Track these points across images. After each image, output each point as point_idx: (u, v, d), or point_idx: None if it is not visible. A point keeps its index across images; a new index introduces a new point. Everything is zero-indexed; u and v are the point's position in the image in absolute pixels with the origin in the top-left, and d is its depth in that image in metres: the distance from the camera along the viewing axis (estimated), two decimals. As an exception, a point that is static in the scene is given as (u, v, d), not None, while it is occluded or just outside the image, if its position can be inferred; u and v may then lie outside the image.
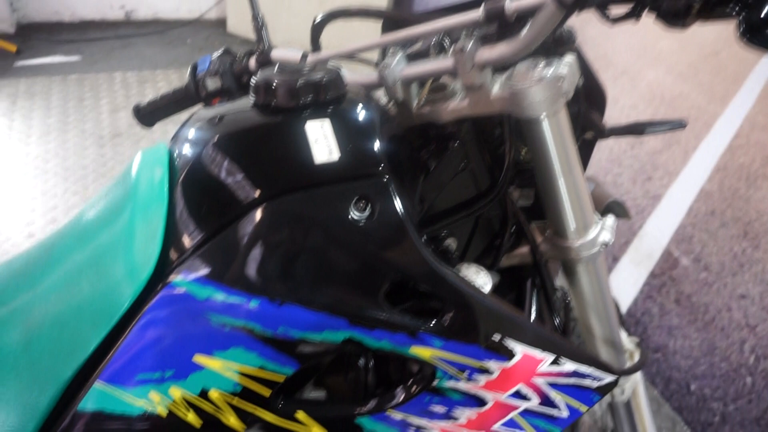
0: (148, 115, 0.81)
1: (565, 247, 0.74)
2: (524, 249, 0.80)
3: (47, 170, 2.42)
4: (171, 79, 2.95)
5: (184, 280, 0.51)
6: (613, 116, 2.81)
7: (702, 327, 1.90)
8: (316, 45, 0.78)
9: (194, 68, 0.76)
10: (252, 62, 0.74)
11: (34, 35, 3.23)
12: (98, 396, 0.53)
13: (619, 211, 1.09)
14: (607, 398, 0.97)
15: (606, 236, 0.74)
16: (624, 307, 1.95)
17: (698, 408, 1.80)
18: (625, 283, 1.94)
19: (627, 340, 0.99)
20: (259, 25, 0.75)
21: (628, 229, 2.13)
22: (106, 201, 0.56)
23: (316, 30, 0.77)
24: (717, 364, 1.82)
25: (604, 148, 2.44)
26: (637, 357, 1.01)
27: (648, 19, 0.52)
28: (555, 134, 0.64)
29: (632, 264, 2.01)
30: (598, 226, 0.74)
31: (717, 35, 3.83)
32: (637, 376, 1.00)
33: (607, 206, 1.09)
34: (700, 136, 2.70)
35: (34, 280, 0.54)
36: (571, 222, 0.72)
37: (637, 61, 3.52)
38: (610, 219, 0.76)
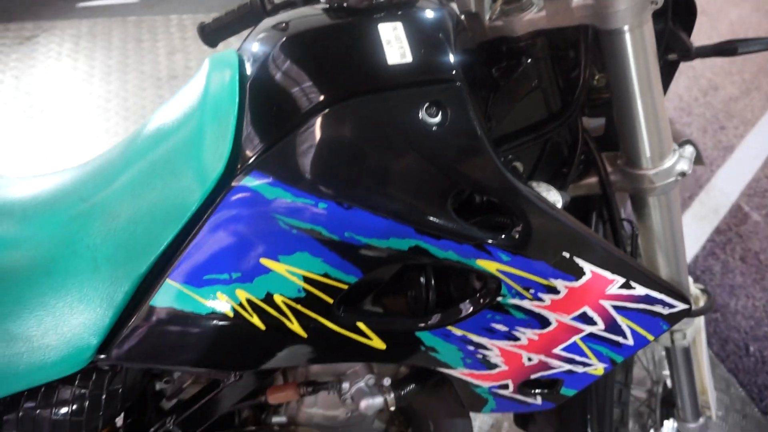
0: (213, 33, 0.80)
1: (639, 176, 0.71)
2: (592, 179, 0.76)
3: (109, 109, 2.50)
4: (225, 23, 2.93)
5: (252, 180, 0.51)
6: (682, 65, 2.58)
7: (768, 286, 1.81)
8: None
9: (260, -19, 0.74)
10: None
11: (95, -23, 3.30)
12: (169, 293, 0.55)
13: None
14: (665, 341, 0.94)
15: (683, 165, 0.70)
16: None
17: (756, 370, 1.74)
18: (687, 240, 1.85)
19: (692, 286, 0.95)
20: None
21: (695, 182, 2.02)
22: (178, 103, 0.57)
23: None
24: (781, 326, 1.74)
25: (672, 96, 2.28)
26: (702, 304, 0.97)
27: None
28: (637, 49, 0.59)
29: (696, 219, 1.91)
30: (675, 154, 0.70)
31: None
32: (700, 323, 0.97)
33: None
34: (786, 80, 2.45)
35: (111, 178, 0.56)
36: (646, 148, 0.68)
37: (720, -4, 3.20)
38: (689, 148, 0.72)
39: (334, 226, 0.52)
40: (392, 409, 0.69)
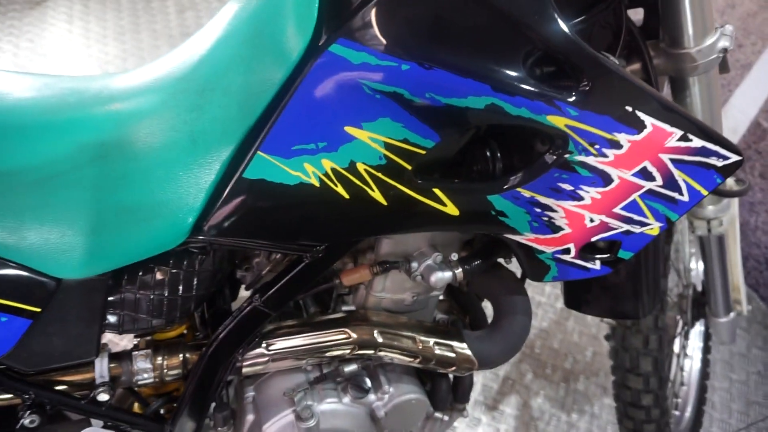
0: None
1: (682, 55, 0.74)
2: (635, 66, 0.80)
3: (127, 68, 2.52)
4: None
5: (338, 48, 0.54)
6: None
7: (788, 202, 1.85)
8: None
9: None
10: None
11: (96, -60, 3.27)
12: (260, 165, 0.59)
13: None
14: (702, 230, 0.99)
15: (725, 42, 0.74)
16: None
17: (776, 284, 1.79)
18: (707, 162, 1.88)
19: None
20: None
21: (714, 103, 2.04)
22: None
23: None
24: (802, 239, 1.79)
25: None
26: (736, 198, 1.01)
27: None
28: None
29: (715, 141, 1.94)
30: (716, 32, 0.73)
31: None
32: (735, 212, 1.01)
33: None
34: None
35: (205, 54, 0.60)
36: (689, 26, 0.71)
37: None
38: (729, 27, 0.75)
39: (416, 87, 0.55)
40: (459, 281, 0.74)
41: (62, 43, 2.60)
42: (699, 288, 1.32)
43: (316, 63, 0.55)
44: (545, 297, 1.74)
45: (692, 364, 1.50)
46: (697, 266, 1.36)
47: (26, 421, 0.66)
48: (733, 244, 1.06)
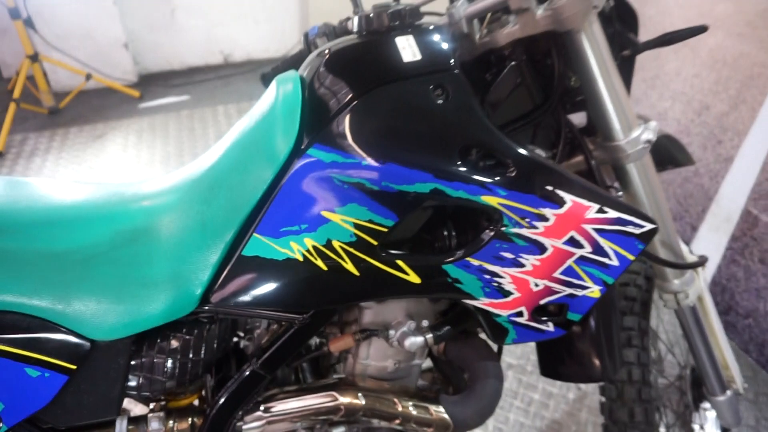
0: (271, 78, 1.04)
1: (614, 147, 0.88)
2: (578, 158, 0.94)
3: (169, 187, 2.84)
4: (265, 109, 3.34)
5: (314, 151, 0.71)
6: (677, 89, 2.79)
7: (792, 286, 1.86)
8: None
9: (306, 35, 0.99)
10: (351, 22, 0.96)
11: (152, 82, 3.79)
12: (255, 244, 0.74)
13: (677, 151, 1.17)
14: (672, 304, 1.05)
15: (649, 135, 0.88)
16: (708, 276, 1.95)
17: (798, 371, 1.76)
18: (706, 251, 1.94)
19: (689, 255, 1.08)
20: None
21: (704, 194, 2.14)
22: (258, 107, 0.79)
23: None
24: (812, 322, 1.78)
25: (671, 121, 2.47)
26: (701, 271, 1.09)
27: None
28: (592, 43, 0.79)
29: (711, 231, 2.02)
30: (641, 126, 0.88)
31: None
32: (701, 284, 1.08)
33: (663, 144, 1.17)
34: (765, 91, 2.69)
35: (216, 159, 0.77)
36: (615, 122, 0.86)
37: (696, 31, 3.56)
38: (653, 123, 0.90)
39: (374, 178, 0.71)
40: (432, 346, 0.83)
41: (115, 168, 2.96)
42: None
43: (297, 164, 0.72)
44: (557, 388, 1.75)
45: (713, 456, 1.46)
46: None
47: None
48: (707, 318, 1.11)
